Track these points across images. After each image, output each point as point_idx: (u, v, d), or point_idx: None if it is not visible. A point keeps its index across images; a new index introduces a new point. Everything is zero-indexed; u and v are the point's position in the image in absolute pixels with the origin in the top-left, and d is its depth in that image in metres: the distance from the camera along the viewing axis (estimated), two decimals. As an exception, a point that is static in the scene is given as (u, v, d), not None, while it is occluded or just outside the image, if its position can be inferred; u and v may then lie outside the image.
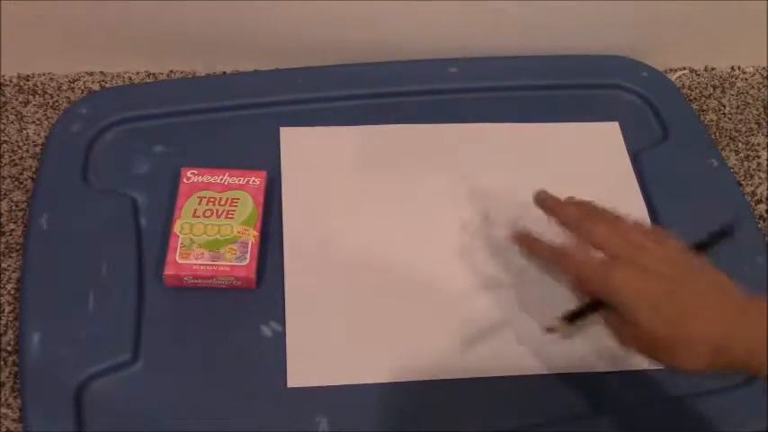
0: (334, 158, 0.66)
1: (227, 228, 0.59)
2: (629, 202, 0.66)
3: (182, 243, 0.58)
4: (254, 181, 0.62)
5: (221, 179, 0.62)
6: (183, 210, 0.60)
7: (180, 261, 0.57)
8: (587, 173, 0.67)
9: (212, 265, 0.57)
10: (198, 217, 0.59)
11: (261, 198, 0.61)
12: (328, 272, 0.60)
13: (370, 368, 0.55)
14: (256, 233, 0.59)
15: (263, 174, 0.62)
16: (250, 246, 0.58)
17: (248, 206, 0.60)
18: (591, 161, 0.69)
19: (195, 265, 0.57)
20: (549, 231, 0.64)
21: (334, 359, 0.56)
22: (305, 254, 0.61)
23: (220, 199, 0.60)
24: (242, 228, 0.59)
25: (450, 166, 0.67)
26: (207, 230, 0.59)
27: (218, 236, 0.59)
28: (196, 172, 0.62)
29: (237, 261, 0.58)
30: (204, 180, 0.61)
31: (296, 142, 0.67)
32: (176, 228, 0.59)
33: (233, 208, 0.60)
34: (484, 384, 0.56)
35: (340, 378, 0.55)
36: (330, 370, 0.55)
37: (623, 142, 0.70)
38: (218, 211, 0.60)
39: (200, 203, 0.60)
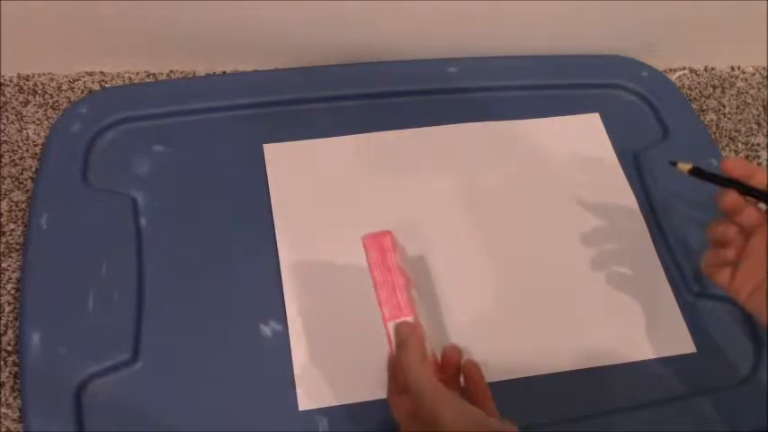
0: (323, 171, 0.66)
1: None
2: (616, 187, 0.68)
3: None
4: None
5: None
6: None
7: None
8: (576, 163, 0.69)
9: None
10: None
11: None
12: (328, 284, 0.60)
13: (376, 383, 0.55)
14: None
15: None
16: None
17: None
18: (578, 152, 0.70)
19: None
20: (547, 230, 0.65)
21: (340, 378, 0.56)
22: (302, 270, 0.60)
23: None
24: None
25: (445, 168, 0.67)
26: None
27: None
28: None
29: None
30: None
31: (281, 159, 0.66)
32: None
33: None
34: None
35: (349, 397, 0.55)
36: (338, 389, 0.55)
37: (605, 131, 0.71)
38: None
39: None
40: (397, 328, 0.49)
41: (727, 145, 0.75)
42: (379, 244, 0.52)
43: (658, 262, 0.64)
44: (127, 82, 0.73)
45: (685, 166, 0.55)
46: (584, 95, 0.74)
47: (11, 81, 0.71)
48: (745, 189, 0.51)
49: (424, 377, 0.46)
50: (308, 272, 0.60)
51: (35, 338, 0.55)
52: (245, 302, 0.58)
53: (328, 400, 0.55)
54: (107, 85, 0.72)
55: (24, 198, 0.64)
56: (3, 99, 0.70)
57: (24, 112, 0.69)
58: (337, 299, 0.59)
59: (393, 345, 0.50)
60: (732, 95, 0.79)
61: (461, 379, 0.53)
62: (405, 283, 0.51)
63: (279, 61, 0.74)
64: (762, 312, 0.50)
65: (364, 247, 0.52)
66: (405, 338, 0.48)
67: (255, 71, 0.74)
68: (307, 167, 0.66)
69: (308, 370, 0.56)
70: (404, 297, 0.50)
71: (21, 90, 0.71)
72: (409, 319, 0.50)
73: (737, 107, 0.78)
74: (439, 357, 0.52)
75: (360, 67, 0.73)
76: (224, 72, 0.75)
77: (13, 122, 0.69)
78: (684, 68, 0.81)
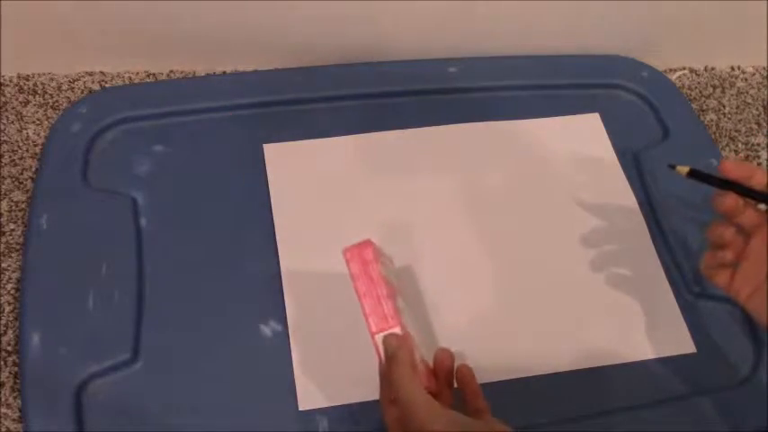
0: (323, 171, 0.66)
1: None
2: (616, 187, 0.68)
3: None
4: None
5: None
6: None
7: None
8: (576, 163, 0.69)
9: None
10: None
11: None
12: (328, 285, 0.59)
13: (376, 383, 0.55)
14: None
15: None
16: None
17: None
18: (578, 152, 0.70)
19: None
20: (547, 227, 0.65)
21: (341, 378, 0.56)
22: (302, 270, 0.60)
23: None
24: None
25: (445, 168, 0.67)
26: None
27: None
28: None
29: None
30: None
31: (281, 159, 0.66)
32: None
33: None
34: (485, 388, 0.56)
35: (349, 397, 0.55)
36: (338, 389, 0.55)
37: (605, 131, 0.71)
38: None
39: None
40: (386, 340, 0.49)
41: (727, 145, 0.75)
42: (361, 256, 0.51)
43: (658, 262, 0.64)
44: (127, 82, 0.73)
45: (684, 169, 0.55)
46: (584, 95, 0.74)
47: (11, 81, 0.71)
48: (745, 190, 0.51)
49: (414, 392, 0.46)
50: (308, 272, 0.60)
51: (35, 338, 0.55)
52: (245, 302, 0.58)
53: (328, 400, 0.55)
54: (107, 85, 0.72)
55: (24, 198, 0.64)
56: (3, 99, 0.70)
57: (24, 112, 0.69)
58: (337, 299, 0.59)
59: (382, 356, 0.49)
60: (732, 95, 0.79)
61: (455, 381, 0.52)
62: (389, 293, 0.51)
63: (279, 61, 0.74)
64: (762, 313, 0.50)
65: (345, 259, 0.51)
66: (394, 351, 0.48)
67: (255, 71, 0.74)
68: (307, 167, 0.66)
69: (308, 370, 0.56)
70: (390, 307, 0.50)
71: (21, 90, 0.71)
72: (397, 329, 0.49)
73: (737, 107, 0.78)
74: (431, 363, 0.52)
75: (360, 67, 0.73)
76: (224, 72, 0.75)
77: (13, 122, 0.69)
78: (684, 68, 0.81)
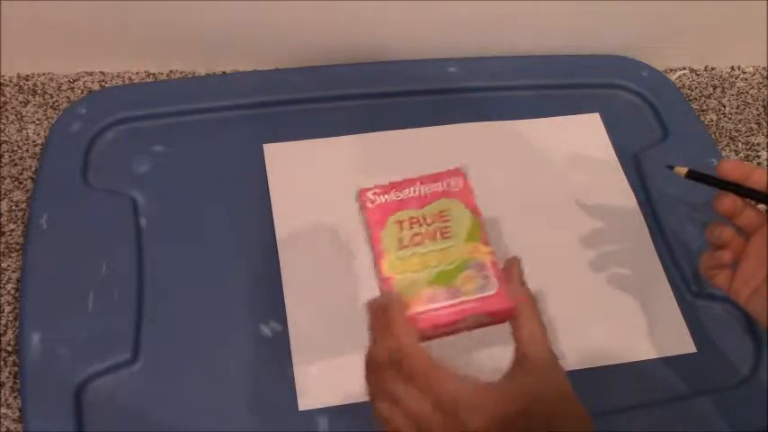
0: (323, 171, 0.66)
1: (451, 251, 0.45)
2: (616, 187, 0.68)
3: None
4: (455, 184, 0.47)
5: (414, 191, 0.47)
6: (384, 244, 0.45)
7: (416, 311, 0.42)
8: (576, 163, 0.69)
9: (455, 304, 0.43)
10: (407, 247, 0.45)
11: (474, 202, 0.47)
12: (328, 284, 0.60)
13: None
14: (489, 248, 0.45)
15: (462, 174, 0.48)
16: (489, 266, 0.44)
17: (465, 216, 0.46)
18: (578, 152, 0.70)
19: (434, 311, 0.43)
20: (547, 230, 0.65)
21: (341, 378, 0.55)
22: (302, 270, 0.60)
23: (424, 217, 0.46)
24: (468, 246, 0.45)
25: (445, 168, 0.67)
26: (427, 262, 0.44)
27: (443, 265, 0.44)
28: (378, 191, 0.47)
29: (482, 291, 0.43)
30: (393, 198, 0.47)
31: (281, 158, 0.66)
32: (386, 269, 0.44)
33: (446, 223, 0.46)
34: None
35: (349, 397, 0.55)
36: (338, 389, 0.55)
37: (605, 131, 0.71)
38: (428, 232, 0.45)
39: (401, 230, 0.45)
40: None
41: (727, 145, 0.75)
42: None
43: (658, 262, 0.64)
44: (127, 82, 0.73)
45: (682, 170, 0.55)
46: (585, 95, 0.74)
47: (11, 81, 0.71)
48: (743, 190, 0.51)
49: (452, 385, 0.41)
50: (308, 272, 0.60)
51: (35, 338, 0.55)
52: (245, 302, 0.58)
53: (328, 400, 0.55)
54: (107, 85, 0.72)
55: (24, 198, 0.64)
56: (3, 99, 0.70)
57: (24, 112, 0.69)
58: (337, 299, 0.59)
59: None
60: (732, 95, 0.79)
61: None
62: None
63: (279, 61, 0.74)
64: (762, 314, 0.50)
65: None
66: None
67: (255, 71, 0.74)
68: (307, 167, 0.66)
69: (308, 370, 0.56)
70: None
71: (21, 90, 0.71)
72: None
73: (737, 107, 0.78)
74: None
75: (360, 66, 0.73)
76: (224, 72, 0.75)
77: (13, 122, 0.69)
78: (684, 68, 0.81)
